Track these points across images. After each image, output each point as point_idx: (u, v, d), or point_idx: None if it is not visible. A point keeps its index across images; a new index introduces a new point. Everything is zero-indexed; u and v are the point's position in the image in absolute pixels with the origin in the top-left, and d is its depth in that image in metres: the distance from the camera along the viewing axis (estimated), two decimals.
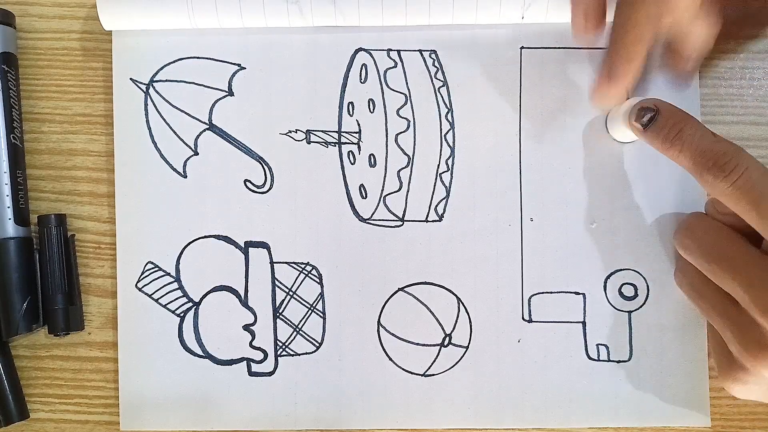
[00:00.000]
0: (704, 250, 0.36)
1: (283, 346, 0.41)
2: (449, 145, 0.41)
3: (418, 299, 0.41)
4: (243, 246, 0.41)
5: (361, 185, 0.41)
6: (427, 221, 0.41)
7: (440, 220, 0.41)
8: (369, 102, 0.41)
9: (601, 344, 0.40)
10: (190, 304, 0.41)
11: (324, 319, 0.41)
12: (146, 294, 0.41)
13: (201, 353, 0.41)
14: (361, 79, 0.41)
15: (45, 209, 0.42)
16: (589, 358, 0.40)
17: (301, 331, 0.41)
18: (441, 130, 0.41)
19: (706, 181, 0.33)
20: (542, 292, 0.40)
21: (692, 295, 0.38)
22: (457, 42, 0.41)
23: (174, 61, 0.41)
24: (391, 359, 0.41)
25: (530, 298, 0.41)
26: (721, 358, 0.36)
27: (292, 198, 0.41)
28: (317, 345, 0.41)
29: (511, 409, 0.40)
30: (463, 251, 0.41)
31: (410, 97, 0.41)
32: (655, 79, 0.40)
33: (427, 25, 0.40)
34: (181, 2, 0.39)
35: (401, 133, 0.41)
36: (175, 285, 0.41)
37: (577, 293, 0.40)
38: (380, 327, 0.41)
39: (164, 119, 0.41)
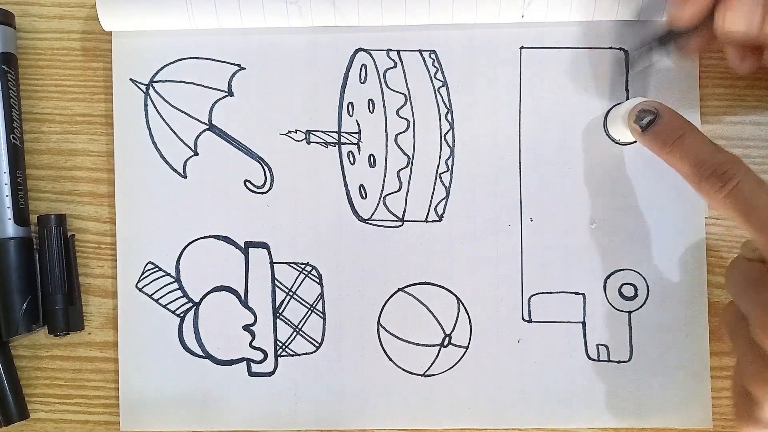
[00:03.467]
0: (732, 283, 0.35)
1: (283, 347, 0.41)
2: (449, 145, 0.41)
3: (418, 299, 0.41)
4: (243, 246, 0.41)
5: (361, 185, 0.41)
6: (427, 221, 0.41)
7: (440, 220, 0.41)
8: (369, 102, 0.41)
9: (601, 344, 0.40)
10: (190, 304, 0.41)
11: (324, 319, 0.41)
12: (146, 294, 0.41)
13: (201, 353, 0.41)
14: (360, 79, 0.41)
15: (45, 209, 0.42)
16: (589, 358, 0.40)
17: (301, 332, 0.41)
18: (441, 130, 0.41)
19: (702, 189, 0.33)
20: (542, 292, 0.40)
21: (726, 329, 0.36)
22: (457, 42, 0.41)
23: (174, 62, 0.41)
24: (391, 359, 0.41)
25: (530, 298, 0.41)
26: (738, 399, 0.35)
27: (292, 198, 0.41)
28: (317, 345, 0.41)
29: (511, 409, 0.40)
30: (463, 251, 0.41)
31: (410, 97, 0.41)
32: (655, 79, 0.40)
33: (427, 25, 0.40)
34: (180, 3, 0.39)
35: (401, 133, 0.41)
36: (175, 285, 0.41)
37: (577, 293, 0.40)
38: (380, 327, 0.41)
39: (164, 119, 0.41)
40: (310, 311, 0.41)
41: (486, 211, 0.41)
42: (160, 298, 0.41)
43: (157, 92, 0.41)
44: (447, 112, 0.41)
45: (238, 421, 0.41)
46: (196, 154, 0.41)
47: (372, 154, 0.41)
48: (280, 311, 0.41)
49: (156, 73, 0.41)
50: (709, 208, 0.41)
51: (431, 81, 0.41)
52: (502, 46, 0.41)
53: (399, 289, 0.41)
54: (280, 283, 0.41)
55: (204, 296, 0.41)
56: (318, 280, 0.41)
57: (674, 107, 0.40)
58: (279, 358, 0.41)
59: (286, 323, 0.41)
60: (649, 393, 0.40)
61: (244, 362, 0.41)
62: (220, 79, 0.41)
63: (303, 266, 0.41)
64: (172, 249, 0.41)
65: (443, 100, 0.41)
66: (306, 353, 0.41)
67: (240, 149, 0.41)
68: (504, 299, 0.41)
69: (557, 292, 0.40)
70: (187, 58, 0.41)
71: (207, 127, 0.41)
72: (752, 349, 0.32)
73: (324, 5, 0.39)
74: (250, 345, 0.41)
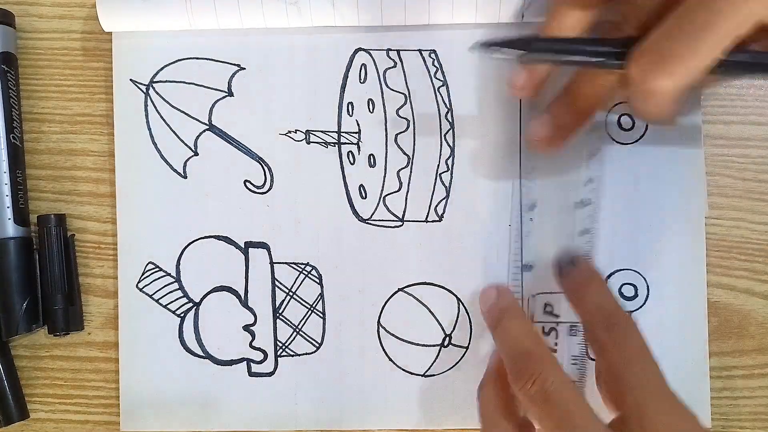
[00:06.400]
0: None
1: (283, 347, 0.41)
2: (449, 145, 0.41)
3: (418, 299, 0.41)
4: (243, 246, 0.41)
5: (361, 185, 0.41)
6: (427, 221, 0.41)
7: (440, 220, 0.41)
8: (368, 102, 0.41)
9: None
10: (191, 304, 0.41)
11: (324, 319, 0.41)
12: (147, 294, 0.41)
13: (201, 353, 0.41)
14: (360, 79, 0.41)
15: (45, 209, 0.42)
16: (590, 358, 0.40)
17: (301, 332, 0.41)
18: (441, 130, 0.41)
19: (594, 335, 0.35)
20: (542, 292, 0.40)
21: None
22: (457, 42, 0.41)
23: (174, 62, 0.41)
24: (391, 359, 0.41)
25: (530, 298, 0.41)
26: None
27: (292, 198, 0.41)
28: (317, 345, 0.41)
29: None
30: (464, 252, 0.41)
31: (410, 97, 0.41)
32: None
33: (427, 25, 0.40)
34: (180, 3, 0.39)
35: (401, 133, 0.41)
36: (176, 285, 0.41)
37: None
38: (380, 327, 0.41)
39: (164, 120, 0.41)
40: (310, 311, 0.41)
41: (486, 211, 0.41)
42: (161, 298, 0.41)
43: (157, 92, 0.41)
44: (447, 112, 0.41)
45: (238, 421, 0.41)
46: (196, 154, 0.41)
47: (372, 154, 0.41)
48: (280, 311, 0.41)
49: (156, 74, 0.41)
50: (709, 208, 0.41)
51: (431, 81, 0.41)
52: None
53: (399, 289, 0.41)
54: (280, 284, 0.41)
55: (204, 296, 0.41)
56: (318, 280, 0.41)
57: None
58: (279, 359, 0.41)
59: (286, 323, 0.41)
60: None
61: (244, 362, 0.41)
62: (220, 79, 0.41)
63: (303, 266, 0.41)
64: (173, 249, 0.41)
65: (443, 100, 0.41)
66: (306, 353, 0.41)
67: (240, 149, 0.41)
68: None
69: (557, 292, 0.40)
70: (187, 59, 0.41)
71: (207, 127, 0.41)
72: None
73: (323, 5, 0.39)
74: (250, 345, 0.41)
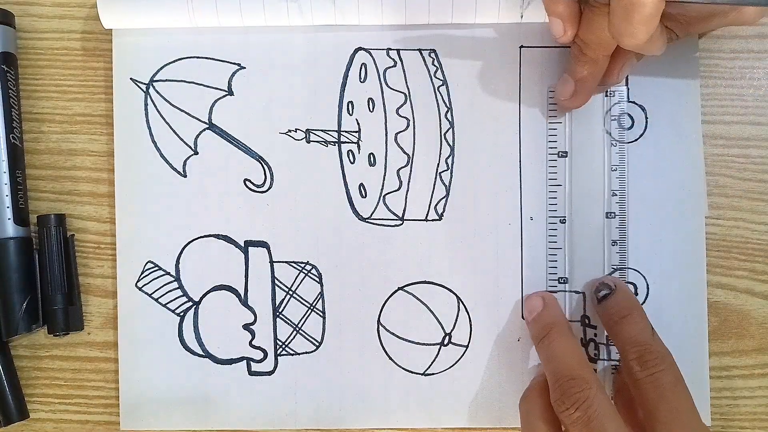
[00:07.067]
0: None
1: (283, 346, 0.41)
2: (449, 144, 0.41)
3: (418, 298, 0.41)
4: (243, 245, 0.41)
5: (361, 184, 0.41)
6: (427, 220, 0.41)
7: (440, 219, 0.41)
8: (368, 101, 0.41)
9: (601, 343, 0.40)
10: (190, 303, 0.41)
11: (324, 318, 0.41)
12: (146, 293, 0.41)
13: (201, 353, 0.41)
14: (360, 78, 0.41)
15: (45, 209, 0.42)
16: (589, 358, 0.40)
17: (300, 331, 0.41)
18: (441, 129, 0.41)
19: (627, 367, 0.35)
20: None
21: None
22: (457, 41, 0.41)
23: (174, 61, 0.41)
24: (391, 358, 0.41)
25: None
26: None
27: (291, 197, 0.41)
28: (317, 344, 0.41)
29: (511, 409, 0.40)
30: (463, 251, 0.41)
31: (410, 96, 0.41)
32: (655, 80, 0.40)
33: (427, 25, 0.40)
34: (181, 1, 0.39)
35: (401, 132, 0.41)
36: (175, 284, 0.41)
37: (577, 292, 0.40)
38: (380, 326, 0.41)
39: (164, 119, 0.41)
40: (309, 310, 0.41)
41: (486, 210, 0.41)
42: (160, 297, 0.41)
43: (157, 91, 0.41)
44: (447, 111, 0.41)
45: (238, 420, 0.41)
46: (196, 153, 0.41)
47: (372, 153, 0.41)
48: (280, 310, 0.41)
49: (156, 73, 0.41)
50: (709, 208, 0.41)
51: (431, 80, 0.41)
52: (502, 45, 0.41)
53: (399, 288, 0.41)
54: (280, 282, 0.41)
55: (204, 295, 0.41)
56: (318, 279, 0.41)
57: (675, 107, 0.40)
58: (279, 357, 0.41)
59: (285, 322, 0.41)
60: None
61: (244, 361, 0.41)
62: (220, 78, 0.41)
63: (303, 265, 0.41)
64: (172, 248, 0.41)
65: (443, 99, 0.41)
66: (306, 352, 0.41)
67: (240, 148, 0.41)
68: (504, 299, 0.41)
69: (557, 291, 0.40)
70: (188, 58, 0.41)
71: (207, 126, 0.41)
72: None
73: (324, 4, 0.39)
74: (250, 344, 0.41)
